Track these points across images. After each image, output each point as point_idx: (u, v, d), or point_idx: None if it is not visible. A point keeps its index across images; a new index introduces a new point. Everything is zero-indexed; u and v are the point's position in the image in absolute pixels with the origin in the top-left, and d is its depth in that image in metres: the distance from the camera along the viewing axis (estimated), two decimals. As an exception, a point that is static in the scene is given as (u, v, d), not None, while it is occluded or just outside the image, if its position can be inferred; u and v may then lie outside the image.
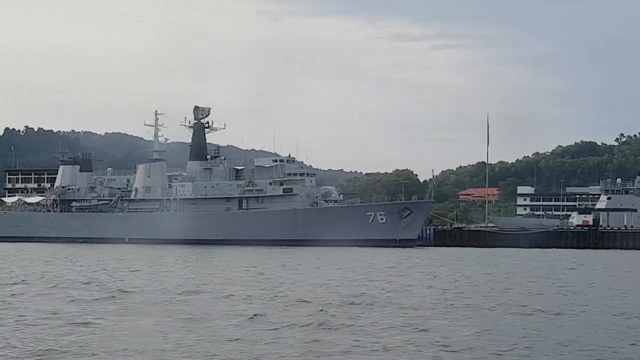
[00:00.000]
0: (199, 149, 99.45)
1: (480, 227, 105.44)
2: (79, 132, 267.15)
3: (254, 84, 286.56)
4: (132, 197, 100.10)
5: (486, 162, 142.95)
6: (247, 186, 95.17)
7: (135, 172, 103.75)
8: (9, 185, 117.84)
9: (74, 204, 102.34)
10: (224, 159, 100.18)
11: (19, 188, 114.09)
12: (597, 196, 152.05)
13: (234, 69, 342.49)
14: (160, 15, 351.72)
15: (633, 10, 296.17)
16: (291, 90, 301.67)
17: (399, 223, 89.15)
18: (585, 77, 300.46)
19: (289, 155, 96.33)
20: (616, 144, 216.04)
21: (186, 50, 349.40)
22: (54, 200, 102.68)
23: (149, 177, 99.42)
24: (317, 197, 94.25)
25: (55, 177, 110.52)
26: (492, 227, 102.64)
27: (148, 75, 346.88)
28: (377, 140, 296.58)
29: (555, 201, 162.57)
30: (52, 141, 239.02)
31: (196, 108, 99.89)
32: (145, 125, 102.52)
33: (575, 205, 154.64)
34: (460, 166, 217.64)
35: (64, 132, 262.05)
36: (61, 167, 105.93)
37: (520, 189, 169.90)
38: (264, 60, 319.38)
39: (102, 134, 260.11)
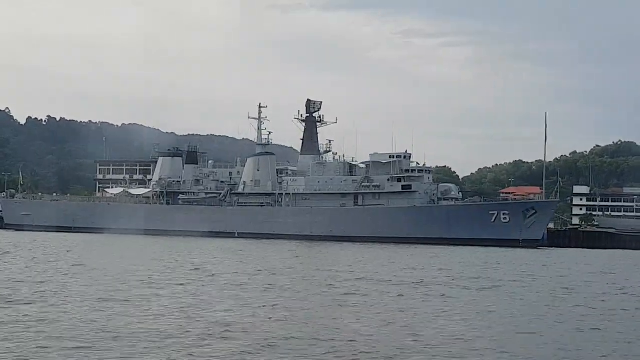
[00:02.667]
0: (311, 143, 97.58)
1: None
2: (96, 122, 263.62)
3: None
4: (241, 190, 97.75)
5: (544, 159, 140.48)
6: (363, 182, 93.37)
7: (236, 166, 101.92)
8: (100, 176, 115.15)
9: (180, 197, 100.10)
10: (336, 153, 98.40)
11: (110, 179, 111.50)
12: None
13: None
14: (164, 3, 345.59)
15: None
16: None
17: (522, 223, 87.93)
18: (609, 76, 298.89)
19: (406, 151, 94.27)
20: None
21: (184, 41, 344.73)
22: (160, 192, 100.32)
23: (258, 170, 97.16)
24: (434, 194, 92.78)
25: (147, 169, 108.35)
26: (609, 228, 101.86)
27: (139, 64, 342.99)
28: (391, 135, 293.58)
29: (612, 201, 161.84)
30: (78, 131, 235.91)
31: (309, 102, 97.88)
32: (248, 118, 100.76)
33: (633, 207, 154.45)
34: (497, 164, 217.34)
35: (82, 122, 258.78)
36: (160, 159, 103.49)
37: (577, 189, 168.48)
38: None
39: (119, 125, 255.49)
